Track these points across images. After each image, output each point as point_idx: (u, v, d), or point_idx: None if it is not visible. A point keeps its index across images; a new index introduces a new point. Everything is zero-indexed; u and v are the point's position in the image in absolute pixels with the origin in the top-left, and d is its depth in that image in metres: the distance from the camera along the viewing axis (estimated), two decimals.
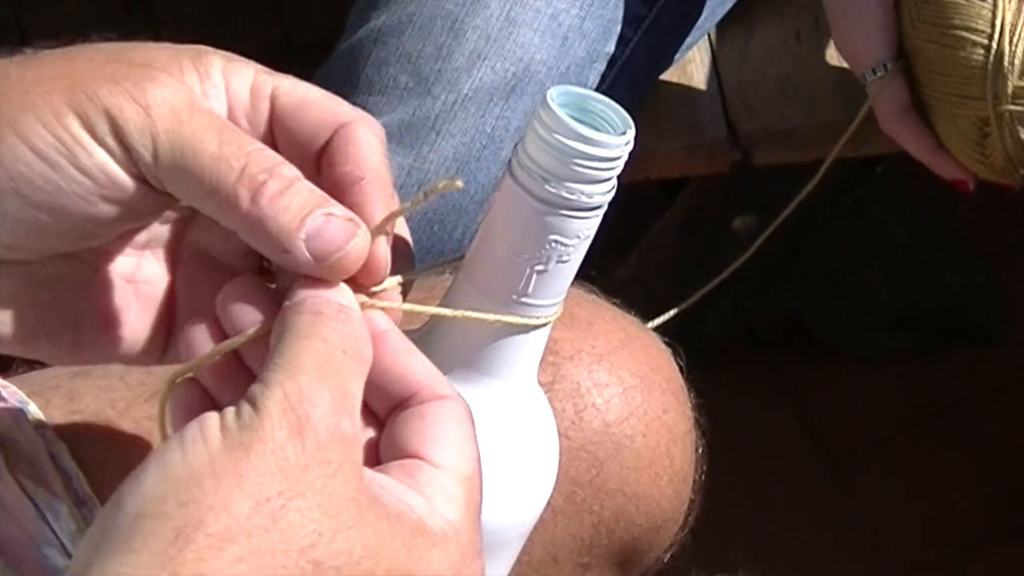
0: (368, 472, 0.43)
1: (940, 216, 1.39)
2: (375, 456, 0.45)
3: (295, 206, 0.44)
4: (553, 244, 0.46)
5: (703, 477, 0.72)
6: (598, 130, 0.45)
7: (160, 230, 0.51)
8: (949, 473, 1.32)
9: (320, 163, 0.47)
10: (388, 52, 0.90)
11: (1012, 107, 0.87)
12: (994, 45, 0.86)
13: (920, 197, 1.38)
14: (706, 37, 1.06)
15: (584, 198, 0.45)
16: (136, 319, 0.50)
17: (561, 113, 0.44)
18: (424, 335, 0.51)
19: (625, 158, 0.46)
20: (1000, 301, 1.39)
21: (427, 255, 0.87)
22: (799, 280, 1.32)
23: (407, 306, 0.48)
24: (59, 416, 0.62)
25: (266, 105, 0.47)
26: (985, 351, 1.37)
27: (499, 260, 0.47)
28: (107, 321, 0.50)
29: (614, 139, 0.45)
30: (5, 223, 0.46)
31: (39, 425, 0.61)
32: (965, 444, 1.33)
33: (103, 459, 0.61)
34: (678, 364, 0.70)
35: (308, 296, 0.44)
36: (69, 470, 0.60)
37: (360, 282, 0.46)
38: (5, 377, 0.63)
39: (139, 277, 0.51)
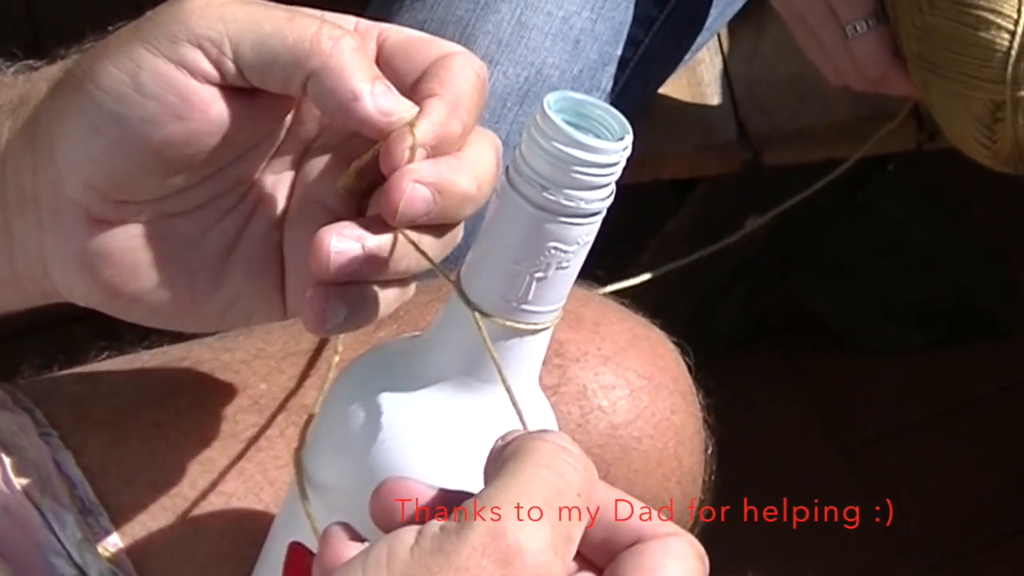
0: None
1: (953, 211, 1.37)
2: None
3: (368, 64, 0.47)
4: (552, 251, 0.45)
5: (712, 477, 0.69)
6: (596, 136, 0.44)
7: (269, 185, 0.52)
8: (965, 465, 1.31)
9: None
10: None
11: None
12: (1019, 31, 0.84)
13: (933, 192, 1.36)
14: (716, 37, 1.04)
15: (583, 204, 0.44)
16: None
17: (558, 120, 0.43)
18: (422, 343, 0.49)
19: (623, 164, 0.44)
20: (1014, 295, 1.37)
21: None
22: (813, 274, 1.30)
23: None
24: (65, 423, 0.60)
25: (372, 47, 0.49)
26: (999, 345, 1.35)
27: (498, 267, 0.45)
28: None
29: (612, 145, 0.43)
30: (98, 170, 0.48)
31: (44, 432, 0.60)
32: (980, 437, 1.32)
33: (109, 466, 0.60)
34: (687, 363, 0.68)
35: (555, 432, 0.42)
36: (75, 477, 0.59)
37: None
38: (11, 383, 0.62)
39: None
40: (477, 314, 0.46)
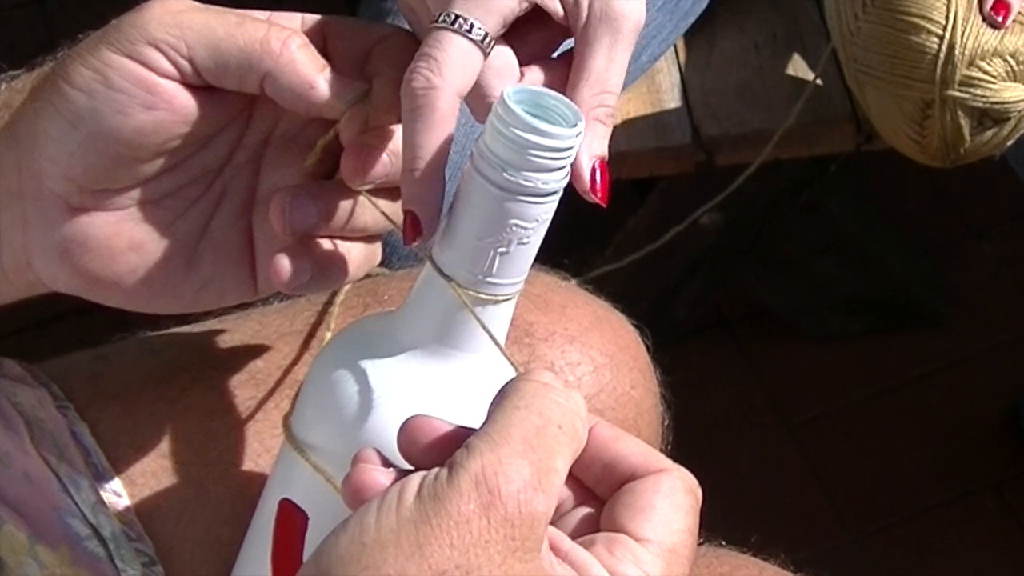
0: (567, 545, 0.41)
1: (889, 210, 1.38)
2: (595, 530, 0.43)
3: (315, 56, 0.48)
4: (514, 228, 0.46)
5: (670, 447, 0.70)
6: (551, 123, 0.45)
7: (234, 179, 0.52)
8: (898, 441, 1.31)
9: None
10: None
11: (957, 93, 0.86)
12: (947, 35, 0.85)
13: (871, 193, 1.38)
14: (672, 48, 1.05)
15: (540, 184, 0.45)
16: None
17: (517, 108, 0.44)
18: (397, 316, 0.50)
19: (577, 147, 0.45)
20: (944, 288, 1.38)
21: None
22: (762, 268, 1.31)
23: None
24: (80, 397, 0.61)
25: (319, 40, 0.50)
26: (930, 333, 1.36)
27: (465, 243, 0.46)
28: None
29: (566, 131, 0.45)
30: (75, 162, 0.48)
31: (62, 405, 0.60)
32: (912, 416, 1.32)
33: (120, 436, 0.60)
34: (645, 343, 0.69)
35: (537, 370, 0.43)
36: (89, 446, 0.59)
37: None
38: (31, 363, 0.62)
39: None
40: (453, 283, 0.46)
